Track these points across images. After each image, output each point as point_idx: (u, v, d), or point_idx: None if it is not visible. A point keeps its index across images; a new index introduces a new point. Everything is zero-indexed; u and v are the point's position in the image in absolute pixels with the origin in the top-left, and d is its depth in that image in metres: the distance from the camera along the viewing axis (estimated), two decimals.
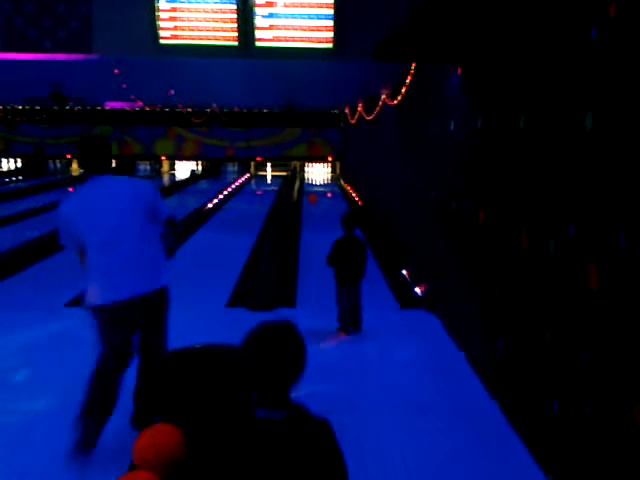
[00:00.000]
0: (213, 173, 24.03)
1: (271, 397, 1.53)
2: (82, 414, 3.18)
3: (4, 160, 24.13)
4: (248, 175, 23.56)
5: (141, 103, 14.73)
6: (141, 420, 3.41)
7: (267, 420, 1.48)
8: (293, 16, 5.79)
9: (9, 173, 22.82)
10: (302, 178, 22.55)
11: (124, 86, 10.01)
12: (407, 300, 6.55)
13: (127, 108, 19.34)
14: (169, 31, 5.78)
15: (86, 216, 3.08)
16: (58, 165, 24.58)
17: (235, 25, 5.78)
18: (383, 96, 10.02)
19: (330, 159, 23.44)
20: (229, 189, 18.18)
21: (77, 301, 6.36)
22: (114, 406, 3.25)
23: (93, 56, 5.86)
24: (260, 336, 1.56)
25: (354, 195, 15.86)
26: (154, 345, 3.37)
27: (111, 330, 3.15)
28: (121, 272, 3.08)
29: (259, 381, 1.52)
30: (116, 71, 8.09)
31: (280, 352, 1.54)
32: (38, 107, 20.49)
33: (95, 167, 3.16)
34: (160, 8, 5.72)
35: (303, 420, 1.54)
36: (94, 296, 3.14)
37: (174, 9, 5.75)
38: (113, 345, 3.19)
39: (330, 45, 5.81)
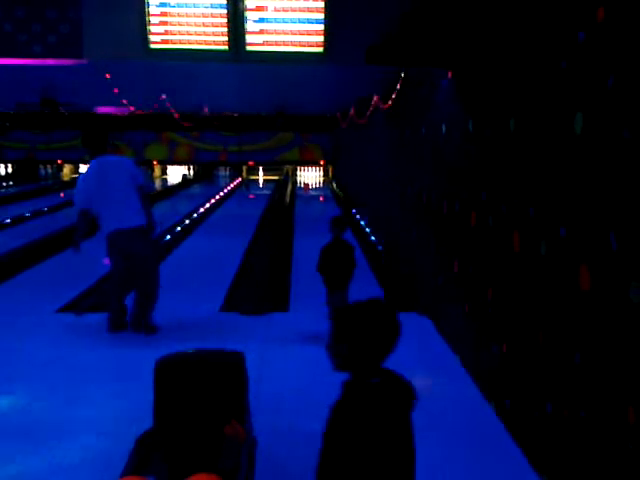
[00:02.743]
0: (205, 177, 23.99)
1: (376, 367, 1.75)
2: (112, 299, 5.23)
3: None
4: (240, 179, 23.53)
5: (132, 108, 14.68)
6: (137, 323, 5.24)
7: (379, 382, 1.74)
8: (284, 20, 5.79)
9: None
10: (294, 182, 22.55)
11: (115, 91, 9.98)
12: (400, 303, 6.55)
13: (118, 113, 19.27)
14: (159, 35, 5.76)
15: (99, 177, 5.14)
16: (49, 170, 24.48)
17: (225, 29, 5.76)
18: (374, 100, 10.03)
19: (322, 163, 23.44)
20: (221, 193, 18.16)
21: (68, 307, 6.33)
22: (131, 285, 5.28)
23: (83, 61, 5.84)
24: (372, 321, 1.75)
25: (345, 198, 15.87)
26: (145, 270, 5.23)
27: (114, 249, 5.11)
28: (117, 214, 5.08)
29: (369, 357, 1.73)
30: (107, 75, 8.06)
31: (390, 331, 1.76)
32: (29, 112, 20.38)
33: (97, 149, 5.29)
34: (150, 12, 5.71)
35: (391, 376, 1.79)
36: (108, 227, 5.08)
37: (164, 13, 5.74)
38: (119, 255, 5.13)
39: (321, 49, 5.80)
